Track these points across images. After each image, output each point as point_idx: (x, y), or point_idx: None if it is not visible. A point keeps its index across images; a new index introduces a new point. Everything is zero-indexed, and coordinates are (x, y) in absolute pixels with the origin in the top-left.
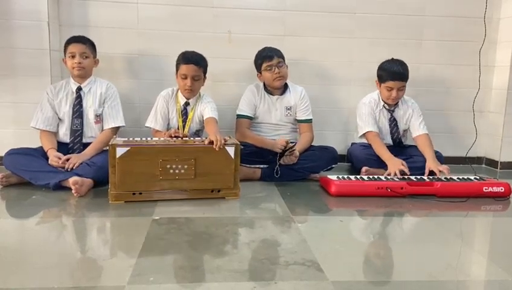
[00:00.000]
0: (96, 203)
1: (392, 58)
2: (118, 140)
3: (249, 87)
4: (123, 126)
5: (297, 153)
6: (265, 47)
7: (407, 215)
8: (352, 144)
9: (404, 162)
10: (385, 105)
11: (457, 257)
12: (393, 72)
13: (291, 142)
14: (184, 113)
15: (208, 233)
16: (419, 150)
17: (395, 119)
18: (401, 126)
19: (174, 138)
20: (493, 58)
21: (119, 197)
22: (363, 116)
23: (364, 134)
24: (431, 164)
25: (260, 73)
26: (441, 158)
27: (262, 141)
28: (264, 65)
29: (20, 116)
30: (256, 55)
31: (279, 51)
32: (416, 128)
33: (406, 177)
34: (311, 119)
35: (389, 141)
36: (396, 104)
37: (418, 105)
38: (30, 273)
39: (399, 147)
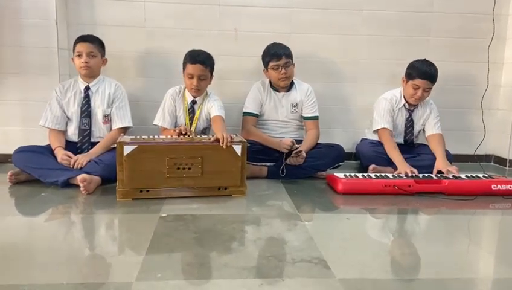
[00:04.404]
0: (104, 200)
1: (425, 59)
2: (126, 138)
3: (255, 84)
4: (131, 127)
5: (304, 154)
6: (274, 43)
7: (415, 213)
8: (362, 139)
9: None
10: (405, 104)
11: (465, 255)
12: (423, 71)
13: (297, 140)
14: (191, 111)
15: (215, 230)
16: (428, 148)
17: (412, 120)
18: (417, 127)
19: (181, 136)
20: (502, 55)
21: (126, 195)
22: (382, 111)
23: (377, 130)
24: (440, 163)
25: (267, 70)
26: (449, 157)
27: (267, 139)
28: (271, 64)
29: (28, 114)
30: (265, 52)
31: (287, 49)
32: (430, 128)
33: (413, 175)
34: (317, 117)
35: (401, 140)
36: (416, 105)
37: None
38: (39, 270)
39: (408, 146)
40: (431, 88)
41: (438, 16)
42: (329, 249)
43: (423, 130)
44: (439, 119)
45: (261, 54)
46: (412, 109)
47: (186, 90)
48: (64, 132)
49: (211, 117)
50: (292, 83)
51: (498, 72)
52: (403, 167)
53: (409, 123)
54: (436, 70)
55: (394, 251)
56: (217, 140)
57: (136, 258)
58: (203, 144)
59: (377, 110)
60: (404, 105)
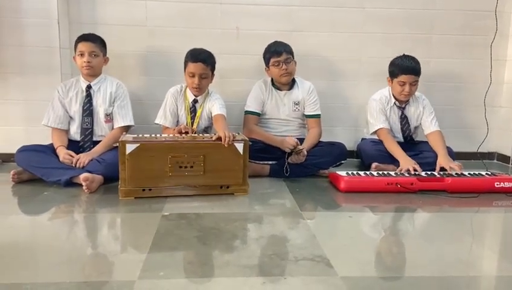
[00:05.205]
0: (107, 199)
1: (404, 54)
2: (128, 136)
3: (257, 83)
4: (132, 126)
5: (305, 152)
6: (275, 41)
7: (418, 211)
8: (362, 139)
9: (416, 164)
10: (396, 102)
11: (468, 253)
12: (405, 67)
13: (299, 138)
14: (192, 110)
15: (217, 229)
16: (430, 145)
17: (406, 117)
18: (412, 123)
19: (183, 134)
20: (505, 52)
21: (129, 193)
22: (374, 113)
23: (375, 131)
24: (442, 160)
25: (268, 67)
26: (452, 154)
27: (269, 137)
28: (272, 60)
29: (30, 113)
30: (266, 49)
31: (288, 46)
32: (428, 126)
33: (416, 173)
34: (319, 115)
35: (400, 138)
36: (407, 102)
37: (429, 100)
38: (41, 269)
39: (409, 144)
40: (417, 81)
41: (441, 14)
42: (332, 247)
43: (421, 127)
44: (435, 115)
45: (262, 52)
46: (403, 106)
47: (188, 89)
48: (67, 131)
49: (213, 116)
50: (294, 81)
51: (501, 69)
52: (406, 161)
53: (404, 120)
54: (417, 62)
55: (397, 249)
56: (219, 138)
57: (139, 256)
58: (205, 143)
59: (369, 113)
60: (394, 103)
